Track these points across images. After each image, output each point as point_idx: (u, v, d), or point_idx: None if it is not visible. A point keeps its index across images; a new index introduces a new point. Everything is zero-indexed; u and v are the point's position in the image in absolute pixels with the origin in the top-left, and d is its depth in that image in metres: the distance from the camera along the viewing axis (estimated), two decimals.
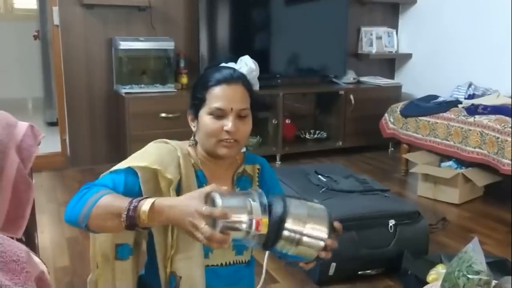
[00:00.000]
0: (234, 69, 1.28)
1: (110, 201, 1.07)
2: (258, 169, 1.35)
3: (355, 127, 4.28)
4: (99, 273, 1.29)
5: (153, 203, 1.02)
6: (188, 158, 1.25)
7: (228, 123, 1.19)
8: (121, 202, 1.05)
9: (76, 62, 3.71)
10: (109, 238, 1.26)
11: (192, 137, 1.29)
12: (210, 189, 1.01)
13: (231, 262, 1.27)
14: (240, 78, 1.24)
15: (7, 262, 0.72)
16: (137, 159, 1.20)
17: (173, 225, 1.17)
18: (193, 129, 1.28)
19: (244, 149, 1.36)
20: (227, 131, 1.19)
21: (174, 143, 1.26)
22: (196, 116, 1.25)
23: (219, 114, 1.20)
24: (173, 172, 1.18)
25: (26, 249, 0.78)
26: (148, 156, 1.21)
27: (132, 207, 1.03)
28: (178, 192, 1.19)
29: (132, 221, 1.03)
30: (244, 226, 0.97)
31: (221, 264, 1.26)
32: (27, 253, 0.76)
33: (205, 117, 1.21)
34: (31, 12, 5.71)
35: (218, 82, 1.22)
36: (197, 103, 1.24)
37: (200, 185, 1.23)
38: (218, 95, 1.21)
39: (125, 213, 1.03)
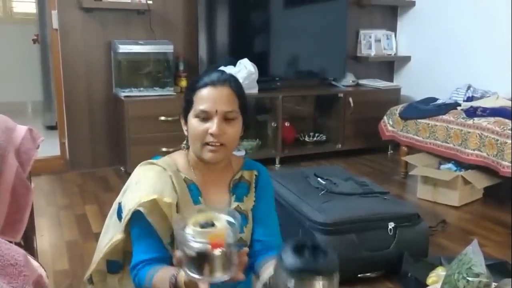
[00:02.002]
0: (223, 72, 1.26)
1: (159, 279, 1.08)
2: (256, 175, 1.33)
3: (354, 129, 4.28)
4: (97, 286, 1.32)
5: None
6: (178, 175, 1.23)
7: (213, 126, 1.17)
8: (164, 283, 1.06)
9: (75, 66, 3.72)
10: (102, 256, 1.28)
11: (185, 141, 1.28)
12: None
13: None
14: (227, 80, 1.22)
15: (4, 266, 0.72)
16: (133, 197, 1.18)
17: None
18: (185, 133, 1.26)
19: (243, 153, 1.35)
20: (211, 134, 1.17)
21: (161, 162, 1.24)
22: (186, 120, 1.24)
23: (204, 117, 1.18)
24: (170, 194, 1.17)
25: (24, 252, 0.77)
26: (141, 188, 1.19)
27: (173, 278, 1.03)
28: (178, 212, 1.19)
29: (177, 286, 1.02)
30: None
31: None
32: (25, 256, 0.76)
33: (192, 120, 1.21)
34: (30, 16, 5.72)
35: (205, 85, 1.21)
36: (187, 106, 1.23)
37: (194, 199, 1.22)
38: (203, 97, 1.19)
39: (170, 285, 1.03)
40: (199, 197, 1.23)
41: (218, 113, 1.18)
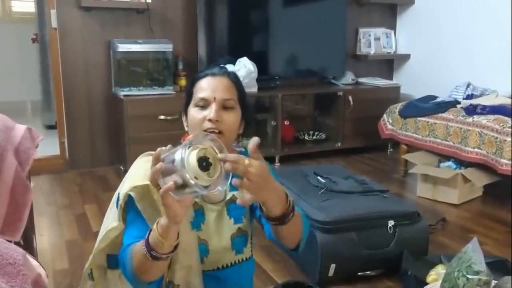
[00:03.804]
0: (224, 66, 1.30)
1: (136, 247, 1.08)
2: None
3: (354, 128, 4.28)
4: (97, 282, 1.31)
5: (157, 222, 1.03)
6: None
7: (211, 112, 1.19)
8: (140, 243, 1.06)
9: (74, 65, 3.71)
10: (103, 250, 1.28)
11: None
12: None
13: (232, 263, 1.26)
14: (226, 72, 1.26)
15: (3, 265, 0.71)
16: (127, 183, 1.20)
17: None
18: (186, 129, 1.28)
19: (242, 149, 1.35)
20: (209, 120, 1.18)
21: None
22: (187, 116, 1.26)
23: (203, 105, 1.21)
24: None
25: (23, 252, 0.77)
26: (135, 175, 1.20)
27: (146, 238, 1.04)
28: None
29: (151, 249, 1.02)
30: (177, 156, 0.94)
31: (220, 267, 1.25)
32: (23, 255, 0.76)
33: (191, 110, 1.23)
34: (29, 15, 5.72)
35: (205, 75, 1.25)
36: (187, 99, 1.26)
37: None
38: (202, 86, 1.23)
39: (144, 247, 1.03)
40: None
41: (217, 100, 1.20)
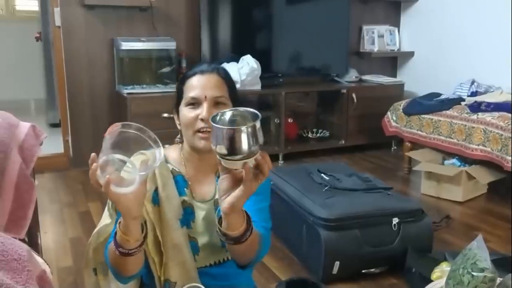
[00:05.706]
0: (212, 63, 1.29)
1: (110, 245, 1.10)
2: None
3: (357, 125, 4.27)
4: (100, 278, 1.32)
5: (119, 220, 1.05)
6: (164, 166, 1.23)
7: (203, 111, 1.18)
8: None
9: (78, 63, 3.72)
10: (101, 245, 1.27)
11: (178, 135, 1.29)
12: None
13: (225, 259, 1.26)
14: (216, 69, 1.25)
15: (8, 261, 0.71)
16: None
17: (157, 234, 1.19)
18: (178, 127, 1.27)
19: None
20: (201, 119, 1.17)
21: (149, 152, 1.21)
22: (179, 114, 1.25)
23: (194, 104, 1.20)
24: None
25: (28, 248, 0.77)
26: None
27: (113, 235, 1.06)
28: (157, 202, 1.20)
29: (118, 245, 1.04)
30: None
31: (213, 263, 1.25)
32: (28, 252, 0.76)
33: (183, 110, 1.22)
34: (33, 13, 5.72)
35: (194, 74, 1.24)
36: (178, 98, 1.26)
37: (180, 190, 1.23)
38: (192, 85, 1.22)
39: (113, 244, 1.05)
40: (185, 189, 1.24)
41: (208, 99, 1.19)
